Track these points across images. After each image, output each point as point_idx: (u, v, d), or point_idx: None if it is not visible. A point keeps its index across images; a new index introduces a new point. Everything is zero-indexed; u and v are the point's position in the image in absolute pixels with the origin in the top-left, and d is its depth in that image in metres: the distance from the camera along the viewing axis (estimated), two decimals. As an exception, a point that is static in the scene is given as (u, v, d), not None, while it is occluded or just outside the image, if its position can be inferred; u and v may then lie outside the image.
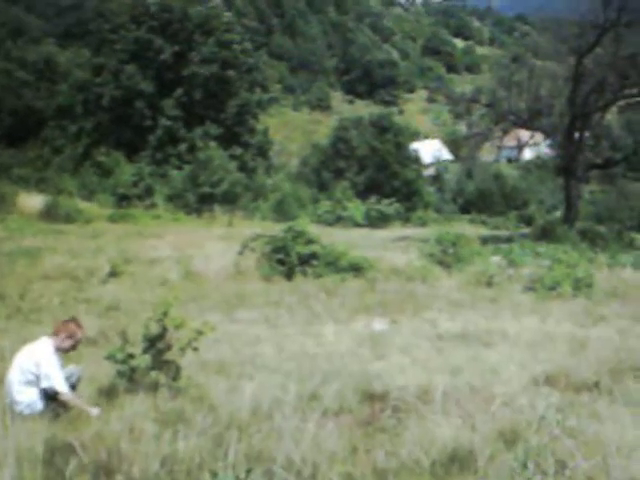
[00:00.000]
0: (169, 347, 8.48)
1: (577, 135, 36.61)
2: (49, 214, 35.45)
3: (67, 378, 7.93)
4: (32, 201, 36.95)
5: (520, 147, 49.26)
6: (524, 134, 42.55)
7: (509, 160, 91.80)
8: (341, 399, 7.93)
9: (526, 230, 41.67)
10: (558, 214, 42.95)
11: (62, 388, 7.67)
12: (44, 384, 7.66)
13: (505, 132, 40.76)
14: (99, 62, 64.23)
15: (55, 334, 8.06)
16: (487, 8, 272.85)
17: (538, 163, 71.32)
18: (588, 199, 55.14)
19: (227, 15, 72.23)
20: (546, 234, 32.75)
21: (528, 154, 69.48)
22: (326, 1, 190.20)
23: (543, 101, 38.61)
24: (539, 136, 40.49)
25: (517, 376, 8.83)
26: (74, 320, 8.40)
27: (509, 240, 31.79)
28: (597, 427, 6.63)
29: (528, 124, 38.29)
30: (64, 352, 8.22)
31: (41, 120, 65.32)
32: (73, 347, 8.28)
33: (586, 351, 10.66)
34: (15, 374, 7.75)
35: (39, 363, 7.69)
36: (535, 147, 45.48)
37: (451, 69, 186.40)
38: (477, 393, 8.09)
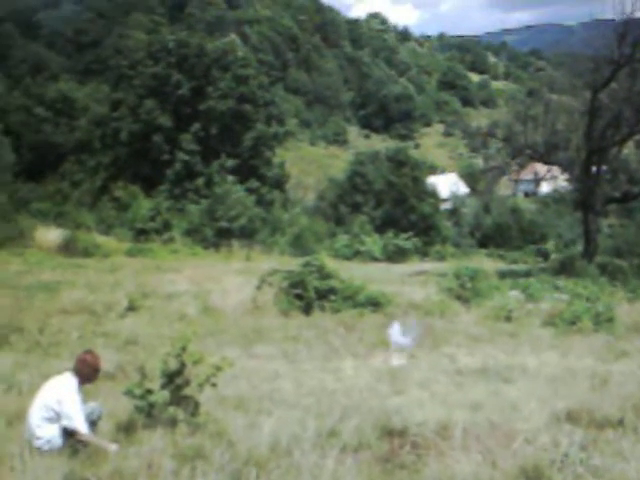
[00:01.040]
0: (187, 383, 8.45)
1: (594, 169, 36.48)
2: (67, 248, 35.63)
3: (88, 415, 7.92)
4: (51, 235, 37.16)
5: (537, 181, 49.16)
6: (541, 168, 42.42)
7: (526, 194, 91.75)
8: (360, 435, 7.87)
9: (544, 264, 41.45)
10: (577, 248, 42.66)
11: (82, 429, 7.66)
12: (65, 423, 7.65)
13: (522, 166, 40.69)
14: (117, 97, 65.10)
15: (79, 370, 8.04)
16: (502, 43, 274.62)
17: (556, 197, 71.10)
18: (607, 233, 54.79)
19: (243, 50, 73.06)
20: (565, 268, 32.53)
21: (545, 188, 69.30)
22: (341, 36, 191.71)
23: (559, 135, 38.52)
24: (556, 170, 40.31)
25: (538, 412, 8.71)
26: (90, 352, 8.40)
27: (527, 274, 31.59)
28: (622, 466, 6.52)
29: (545, 158, 38.16)
30: (90, 383, 8.24)
31: (60, 155, 66.13)
32: (95, 377, 8.31)
33: (609, 387, 10.53)
34: (37, 409, 7.74)
35: (61, 401, 7.69)
36: (552, 181, 45.22)
37: (467, 103, 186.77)
38: (497, 429, 8.00)
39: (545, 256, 50.18)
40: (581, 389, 10.46)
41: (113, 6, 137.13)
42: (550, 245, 56.80)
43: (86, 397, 8.20)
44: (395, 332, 14.69)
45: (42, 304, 19.71)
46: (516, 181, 49.55)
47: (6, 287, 22.59)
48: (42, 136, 68.75)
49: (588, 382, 10.99)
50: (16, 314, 17.91)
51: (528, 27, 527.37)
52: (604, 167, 37.73)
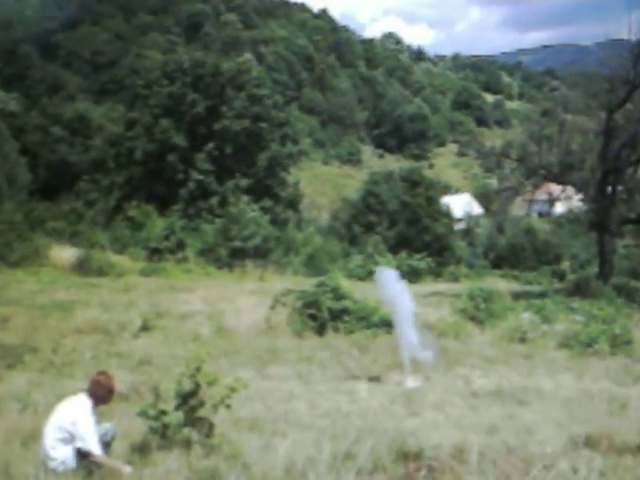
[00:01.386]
0: (202, 404, 8.43)
1: (610, 189, 36.25)
2: (82, 267, 35.69)
3: (102, 436, 7.89)
4: (65, 254, 37.26)
5: (552, 201, 48.85)
6: (555, 188, 42.20)
7: (540, 214, 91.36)
8: (375, 458, 7.78)
9: (559, 285, 41.21)
10: (593, 269, 42.34)
11: (96, 450, 7.63)
12: (79, 444, 7.62)
13: (536, 186, 40.45)
14: (132, 117, 65.46)
15: (93, 392, 8.01)
16: (516, 63, 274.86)
17: (570, 217, 70.82)
18: (623, 254, 54.42)
19: (258, 70, 73.45)
20: (580, 289, 32.26)
21: (560, 208, 69.00)
22: (356, 55, 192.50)
23: (574, 155, 38.32)
24: (571, 190, 40.09)
25: (555, 436, 8.62)
26: (104, 373, 8.38)
27: (542, 295, 31.36)
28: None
29: (559, 178, 37.93)
30: (104, 404, 8.22)
31: (75, 174, 66.50)
32: (110, 398, 8.30)
33: (627, 411, 10.42)
34: (51, 431, 7.73)
35: (76, 422, 7.67)
36: (567, 201, 44.95)
37: (481, 123, 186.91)
38: (514, 453, 7.90)
39: (561, 277, 49.86)
40: (599, 413, 10.35)
41: (130, 27, 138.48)
42: (565, 266, 56.47)
43: (100, 418, 8.18)
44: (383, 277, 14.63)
45: (56, 323, 19.75)
46: (530, 201, 49.25)
47: (21, 306, 22.66)
48: (57, 155, 69.27)
49: (606, 406, 10.88)
50: (30, 333, 17.97)
51: (544, 47, 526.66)
52: (620, 187, 37.50)
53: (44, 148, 68.90)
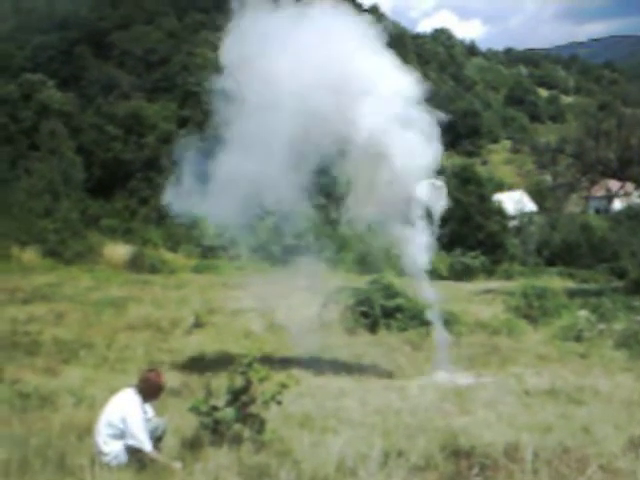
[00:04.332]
0: (253, 400, 8.41)
1: (672, 184, 35.50)
2: (135, 264, 36.07)
3: (153, 431, 7.93)
4: (119, 251, 37.71)
5: (610, 197, 47.92)
6: (614, 184, 41.36)
7: (597, 211, 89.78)
8: (427, 455, 7.68)
9: (618, 283, 40.34)
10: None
11: (147, 447, 7.67)
12: (129, 441, 7.68)
13: (593, 182, 39.71)
14: (185, 114, 65.84)
15: (142, 389, 8.05)
16: (572, 56, 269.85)
17: (629, 214, 69.38)
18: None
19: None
20: (640, 288, 31.47)
21: (618, 205, 67.68)
22: (407, 51, 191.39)
23: (634, 150, 37.42)
24: (630, 186, 39.19)
25: (612, 437, 8.39)
26: (154, 370, 8.41)
27: (598, 294, 30.63)
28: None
29: (618, 174, 37.19)
30: (154, 400, 8.26)
31: (129, 172, 67.08)
32: (159, 395, 8.32)
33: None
34: (102, 426, 7.80)
35: (125, 419, 7.72)
36: (626, 197, 43.96)
37: (535, 119, 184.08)
38: (569, 453, 7.73)
39: (620, 275, 48.80)
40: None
41: (182, 25, 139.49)
42: (624, 263, 55.29)
43: (154, 412, 8.22)
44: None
45: (110, 320, 20.02)
46: (586, 198, 48.39)
47: (75, 302, 23.00)
48: (112, 154, 70.02)
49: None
50: (85, 329, 18.23)
51: (601, 39, 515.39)
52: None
53: (99, 147, 69.65)
